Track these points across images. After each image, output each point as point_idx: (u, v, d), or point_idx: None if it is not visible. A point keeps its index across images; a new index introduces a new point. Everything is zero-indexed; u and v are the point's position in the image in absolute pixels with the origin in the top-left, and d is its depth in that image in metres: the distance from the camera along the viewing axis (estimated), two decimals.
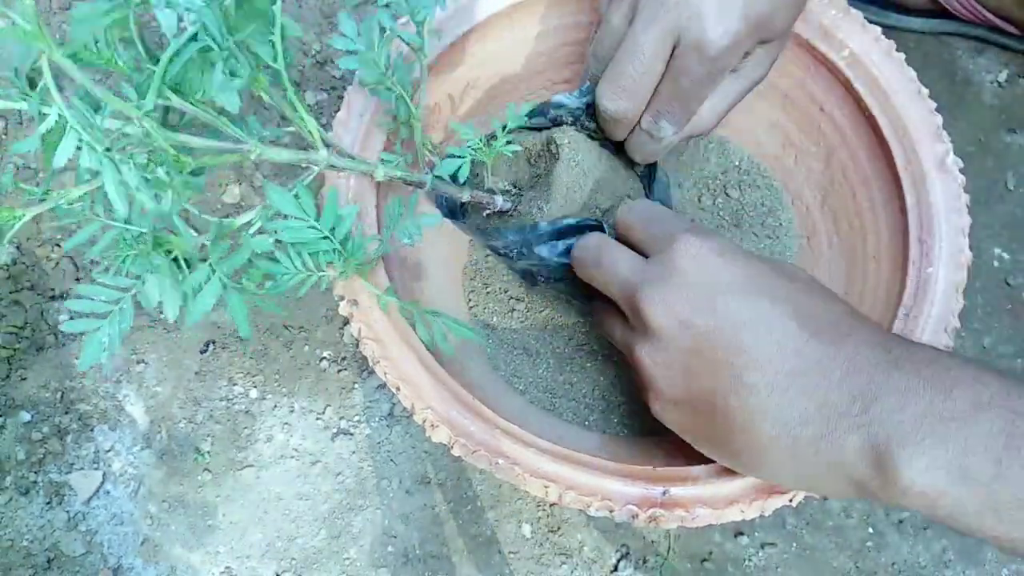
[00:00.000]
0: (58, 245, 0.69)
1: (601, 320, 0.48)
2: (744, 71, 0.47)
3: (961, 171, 0.49)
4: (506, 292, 0.57)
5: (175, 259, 0.34)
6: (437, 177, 0.46)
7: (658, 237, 0.42)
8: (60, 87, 0.29)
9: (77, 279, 0.69)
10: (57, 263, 0.69)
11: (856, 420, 0.35)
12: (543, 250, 0.47)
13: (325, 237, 0.39)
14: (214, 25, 0.31)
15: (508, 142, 0.47)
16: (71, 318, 0.35)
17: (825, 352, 0.36)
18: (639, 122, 0.47)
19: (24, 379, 0.66)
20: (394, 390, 0.43)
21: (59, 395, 0.66)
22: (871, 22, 0.52)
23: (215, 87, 0.32)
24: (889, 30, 0.59)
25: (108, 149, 0.30)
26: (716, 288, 0.38)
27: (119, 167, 0.29)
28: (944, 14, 0.76)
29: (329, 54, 0.75)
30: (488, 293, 0.57)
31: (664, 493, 0.40)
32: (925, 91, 0.50)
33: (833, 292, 0.41)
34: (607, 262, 0.43)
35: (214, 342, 0.67)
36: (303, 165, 0.39)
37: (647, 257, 0.42)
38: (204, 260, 0.35)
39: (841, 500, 0.65)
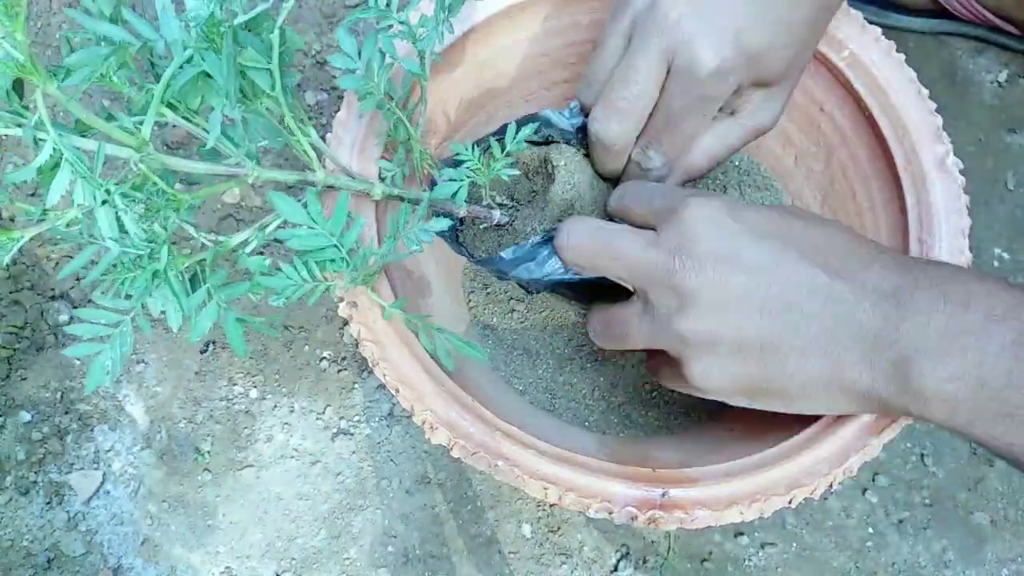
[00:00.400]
0: (58, 245, 0.69)
1: (606, 321, 0.46)
2: (741, 116, 0.48)
3: (961, 171, 0.49)
4: (506, 293, 0.57)
5: (180, 273, 0.34)
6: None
7: (662, 210, 0.42)
8: (55, 115, 0.29)
9: (77, 279, 0.69)
10: (57, 263, 0.69)
11: (887, 340, 0.37)
12: (534, 271, 0.46)
13: (334, 245, 0.39)
14: (215, 68, 0.31)
15: (508, 161, 0.46)
16: (72, 342, 0.35)
17: (852, 283, 0.38)
18: (630, 155, 0.47)
19: (24, 379, 0.66)
20: (394, 392, 0.43)
21: (59, 395, 0.66)
22: (871, 22, 0.52)
23: (211, 132, 0.32)
24: (889, 30, 0.59)
25: (103, 186, 0.30)
26: (737, 243, 0.39)
27: (115, 201, 0.30)
28: (944, 14, 0.76)
29: (329, 55, 0.75)
30: (488, 294, 0.57)
31: (663, 495, 0.40)
32: (925, 91, 0.50)
33: (847, 226, 0.43)
34: (615, 246, 0.42)
35: (214, 342, 0.67)
36: (300, 187, 0.39)
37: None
38: (203, 277, 0.35)
39: (841, 499, 0.65)
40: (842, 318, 0.38)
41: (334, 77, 0.75)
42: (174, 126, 0.37)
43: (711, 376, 0.41)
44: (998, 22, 0.74)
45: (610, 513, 0.40)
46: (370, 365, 0.43)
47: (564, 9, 0.55)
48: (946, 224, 0.48)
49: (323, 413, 0.66)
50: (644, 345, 0.43)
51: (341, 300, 0.44)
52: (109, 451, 0.65)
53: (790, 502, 0.41)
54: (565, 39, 0.57)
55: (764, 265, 0.39)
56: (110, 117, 0.32)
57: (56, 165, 0.29)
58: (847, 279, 0.38)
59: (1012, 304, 0.36)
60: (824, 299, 0.38)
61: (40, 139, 0.29)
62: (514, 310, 0.57)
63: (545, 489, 0.40)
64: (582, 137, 0.48)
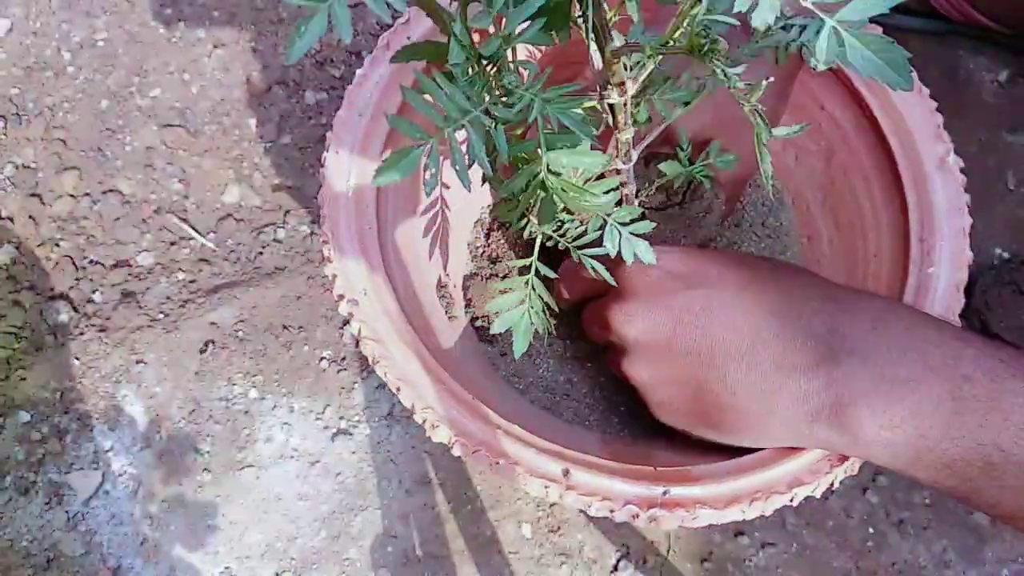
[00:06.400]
0: (58, 245, 0.69)
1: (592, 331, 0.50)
2: None
3: (962, 171, 0.49)
4: None
5: None
6: None
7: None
8: None
9: (77, 279, 0.68)
10: (57, 263, 0.69)
11: (823, 383, 0.37)
12: None
13: None
14: None
15: None
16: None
17: (783, 324, 0.38)
18: None
19: (23, 379, 0.66)
20: (394, 390, 0.43)
21: (58, 395, 0.66)
22: (871, 22, 0.52)
23: None
24: (889, 30, 0.59)
25: None
26: (669, 290, 0.41)
27: None
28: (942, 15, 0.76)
29: (329, 54, 0.75)
30: (488, 293, 0.57)
31: (665, 493, 0.40)
32: (926, 91, 0.50)
33: (779, 261, 0.44)
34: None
35: (213, 342, 0.67)
36: None
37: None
38: None
39: (841, 498, 0.65)
40: (776, 358, 0.38)
41: (334, 77, 0.75)
42: None
43: (661, 409, 0.45)
44: (986, 22, 0.73)
45: (611, 511, 0.40)
46: (370, 363, 0.43)
47: None
48: (947, 223, 0.48)
49: (323, 413, 0.66)
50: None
51: (341, 298, 0.44)
52: (108, 451, 0.65)
53: (791, 500, 0.41)
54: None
55: (692, 311, 0.40)
56: None
57: None
58: (781, 319, 0.38)
59: (950, 354, 0.35)
60: (755, 338, 0.39)
61: None
62: None
63: (546, 487, 0.40)
64: None
